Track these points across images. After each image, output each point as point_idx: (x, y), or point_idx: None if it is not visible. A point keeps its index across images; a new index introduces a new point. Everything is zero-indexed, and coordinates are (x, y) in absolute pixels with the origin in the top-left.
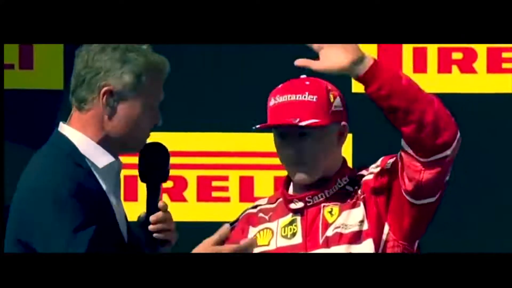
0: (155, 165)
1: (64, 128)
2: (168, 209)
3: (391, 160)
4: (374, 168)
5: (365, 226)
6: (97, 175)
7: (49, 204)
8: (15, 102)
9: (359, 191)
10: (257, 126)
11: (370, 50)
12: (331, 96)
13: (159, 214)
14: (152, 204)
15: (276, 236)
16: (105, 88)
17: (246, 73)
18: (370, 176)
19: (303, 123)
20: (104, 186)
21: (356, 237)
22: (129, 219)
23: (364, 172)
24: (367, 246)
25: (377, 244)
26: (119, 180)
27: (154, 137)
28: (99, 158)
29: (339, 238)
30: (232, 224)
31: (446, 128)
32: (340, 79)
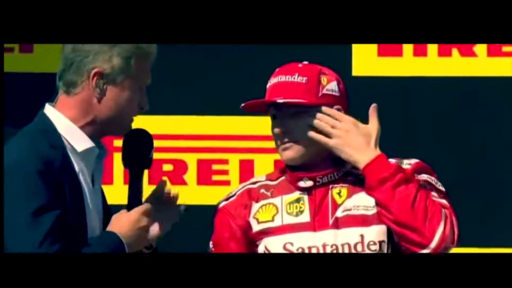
0: (138, 151)
1: (48, 109)
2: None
3: (421, 177)
4: (404, 165)
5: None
6: (73, 159)
7: (15, 181)
8: (14, 86)
9: None
10: (242, 104)
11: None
12: (324, 79)
13: (144, 207)
14: (135, 191)
15: (281, 212)
16: (94, 70)
17: (248, 56)
18: None
19: (279, 100)
20: (79, 170)
21: (368, 220)
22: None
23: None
24: (379, 231)
25: (388, 229)
26: (101, 167)
27: (154, 120)
28: (79, 142)
29: (350, 220)
30: (228, 198)
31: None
32: (339, 62)
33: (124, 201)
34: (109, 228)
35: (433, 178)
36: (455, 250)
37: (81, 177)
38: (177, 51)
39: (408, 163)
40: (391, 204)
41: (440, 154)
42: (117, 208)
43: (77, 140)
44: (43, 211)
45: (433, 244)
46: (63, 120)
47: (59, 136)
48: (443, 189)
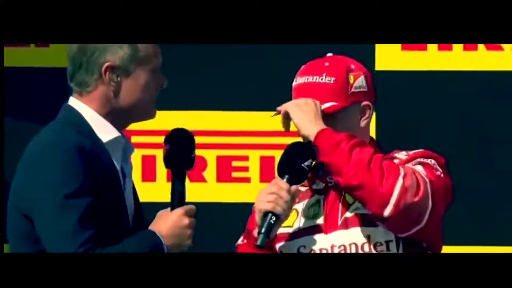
0: (179, 151)
1: (72, 101)
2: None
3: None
4: (403, 156)
5: None
6: (102, 148)
7: (49, 161)
8: (31, 80)
9: None
10: (273, 114)
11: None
12: (351, 77)
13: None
14: (177, 192)
15: (299, 217)
16: (106, 65)
17: (272, 54)
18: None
19: (321, 107)
20: (108, 160)
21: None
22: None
23: (394, 155)
24: (386, 230)
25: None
26: (129, 162)
27: (173, 115)
28: (104, 132)
29: (358, 219)
30: None
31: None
32: (363, 56)
33: (167, 199)
34: (150, 227)
35: (431, 160)
36: (453, 249)
37: (113, 166)
38: (198, 48)
39: (405, 154)
40: (347, 167)
41: (463, 148)
42: (161, 206)
43: (102, 130)
44: (78, 194)
45: (393, 200)
46: (88, 110)
47: (87, 125)
48: (438, 169)
